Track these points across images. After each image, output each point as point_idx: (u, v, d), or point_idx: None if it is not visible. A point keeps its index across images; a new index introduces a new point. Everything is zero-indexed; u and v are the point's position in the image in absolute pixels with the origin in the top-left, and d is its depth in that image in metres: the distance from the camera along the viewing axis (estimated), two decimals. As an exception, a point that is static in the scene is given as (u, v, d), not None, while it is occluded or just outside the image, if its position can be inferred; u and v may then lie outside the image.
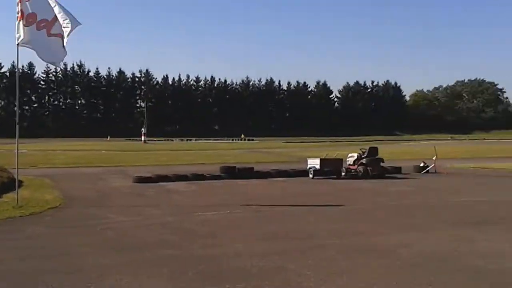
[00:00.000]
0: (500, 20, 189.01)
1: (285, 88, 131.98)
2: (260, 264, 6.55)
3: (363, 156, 20.29)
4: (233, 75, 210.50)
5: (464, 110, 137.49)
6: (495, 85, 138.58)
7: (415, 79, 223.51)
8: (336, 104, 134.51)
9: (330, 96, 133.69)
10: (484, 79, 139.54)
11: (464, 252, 7.21)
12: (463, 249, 7.40)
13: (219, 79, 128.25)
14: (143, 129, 72.46)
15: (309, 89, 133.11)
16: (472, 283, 5.72)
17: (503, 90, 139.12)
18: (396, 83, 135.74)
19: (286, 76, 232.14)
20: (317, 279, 5.88)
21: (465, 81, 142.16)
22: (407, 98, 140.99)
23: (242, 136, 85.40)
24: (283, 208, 11.83)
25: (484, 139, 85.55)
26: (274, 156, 35.57)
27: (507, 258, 6.80)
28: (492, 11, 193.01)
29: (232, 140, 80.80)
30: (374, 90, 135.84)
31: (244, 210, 11.59)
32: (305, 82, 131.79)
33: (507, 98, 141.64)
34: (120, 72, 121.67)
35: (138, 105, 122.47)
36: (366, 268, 6.34)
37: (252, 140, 78.77)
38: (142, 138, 69.20)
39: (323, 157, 20.95)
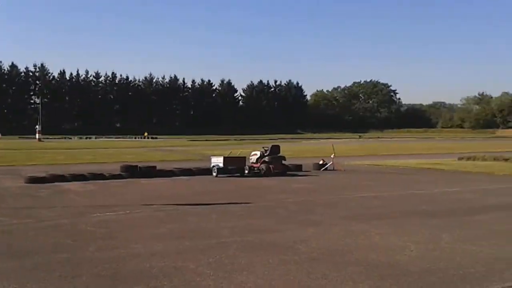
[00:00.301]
0: (392, 25, 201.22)
1: (190, 86, 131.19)
2: (159, 265, 6.41)
3: (265, 154, 20.63)
4: (135, 71, 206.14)
5: (361, 109, 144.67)
6: (389, 86, 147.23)
7: (316, 79, 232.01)
8: (241, 103, 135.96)
9: (235, 95, 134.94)
10: (379, 80, 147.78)
11: (358, 246, 7.53)
12: (358, 243, 7.73)
13: (121, 75, 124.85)
14: (37, 126, 68.63)
15: (214, 87, 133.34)
16: (364, 275, 5.97)
17: (396, 92, 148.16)
18: (298, 83, 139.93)
19: (190, 73, 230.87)
20: (217, 277, 5.86)
21: (361, 82, 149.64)
22: (308, 98, 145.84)
23: (145, 134, 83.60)
24: (185, 207, 11.69)
25: (379, 137, 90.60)
26: (178, 154, 35.20)
27: (397, 251, 7.18)
28: (383, 17, 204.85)
29: (135, 138, 78.85)
30: (277, 90, 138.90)
31: (145, 210, 11.31)
32: (209, 80, 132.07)
33: (399, 99, 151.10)
34: (13, 66, 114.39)
35: (32, 101, 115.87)
36: (266, 265, 6.42)
37: (156, 138, 77.44)
38: (37, 136, 65.51)
39: (226, 155, 21.03)
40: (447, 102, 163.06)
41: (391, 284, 5.64)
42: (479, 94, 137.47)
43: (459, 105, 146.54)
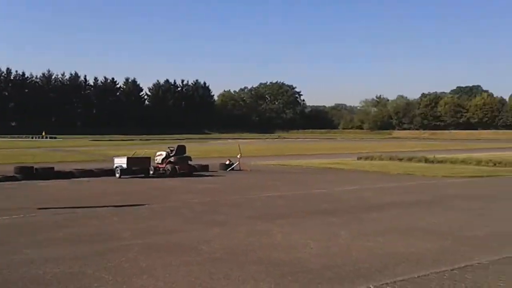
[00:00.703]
0: (296, 27, 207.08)
1: (92, 84, 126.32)
2: (54, 271, 6.08)
3: (171, 154, 20.36)
4: (32, 68, 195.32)
5: (267, 110, 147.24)
6: (293, 88, 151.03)
7: (223, 79, 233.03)
8: (147, 102, 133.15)
9: (140, 94, 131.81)
10: (284, 82, 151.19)
11: (261, 245, 7.62)
12: (261, 242, 7.82)
13: (16, 71, 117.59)
14: None
15: (118, 86, 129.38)
16: (265, 273, 6.05)
17: (300, 93, 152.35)
18: (205, 83, 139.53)
19: (93, 71, 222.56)
20: (115, 282, 5.67)
21: (268, 83, 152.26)
22: (216, 98, 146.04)
23: (44, 133, 79.33)
24: (84, 210, 11.22)
25: (285, 137, 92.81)
26: (79, 155, 33.80)
27: (298, 249, 7.36)
28: (288, 19, 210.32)
29: (32, 138, 74.61)
30: (184, 89, 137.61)
31: (41, 213, 10.71)
32: (113, 78, 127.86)
33: (303, 100, 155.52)
34: None
35: None
36: (167, 267, 6.31)
37: (55, 138, 73.80)
38: None
39: (130, 156, 20.48)
40: (347, 104, 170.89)
41: (290, 281, 5.76)
42: (376, 97, 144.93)
43: (358, 107, 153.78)
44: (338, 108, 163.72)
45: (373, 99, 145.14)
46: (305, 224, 9.44)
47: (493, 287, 5.57)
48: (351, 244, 7.72)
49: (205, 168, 21.69)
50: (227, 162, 22.81)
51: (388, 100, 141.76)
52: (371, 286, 5.56)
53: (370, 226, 9.25)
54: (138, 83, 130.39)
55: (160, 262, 6.52)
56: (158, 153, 20.92)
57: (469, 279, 5.84)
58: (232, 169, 22.30)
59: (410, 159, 26.41)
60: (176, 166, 19.79)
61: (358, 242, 7.86)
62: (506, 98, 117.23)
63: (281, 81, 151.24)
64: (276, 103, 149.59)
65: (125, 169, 19.08)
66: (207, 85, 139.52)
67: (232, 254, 7.00)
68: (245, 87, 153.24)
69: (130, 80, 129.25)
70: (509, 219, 10.10)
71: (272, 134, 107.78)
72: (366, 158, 28.10)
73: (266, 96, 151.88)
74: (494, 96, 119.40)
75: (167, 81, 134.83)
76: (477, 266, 6.40)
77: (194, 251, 7.18)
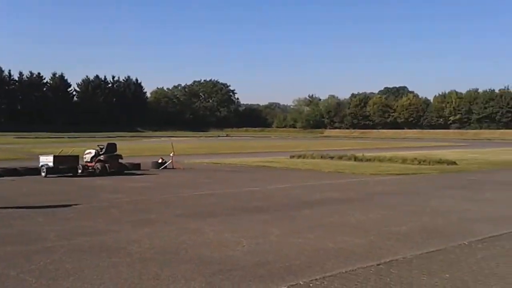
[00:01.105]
0: (231, 27, 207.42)
1: (17, 79, 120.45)
2: (-29, 276, 5.75)
3: (100, 152, 19.77)
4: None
5: (201, 108, 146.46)
6: (228, 86, 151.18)
7: (156, 76, 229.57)
8: (76, 98, 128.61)
9: (69, 90, 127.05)
10: (218, 80, 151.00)
11: (192, 244, 7.55)
12: (192, 241, 7.76)
13: None
14: None
15: (45, 81, 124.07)
16: (196, 272, 6.00)
17: (235, 92, 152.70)
18: (137, 80, 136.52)
19: (18, 66, 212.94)
20: (40, 284, 5.46)
21: (202, 81, 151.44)
22: (149, 95, 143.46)
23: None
24: (8, 211, 10.67)
25: (219, 136, 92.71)
26: (2, 152, 32.13)
27: (230, 247, 7.36)
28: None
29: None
30: (115, 86, 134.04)
31: (-42, 215, 10.08)
32: (39, 73, 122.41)
33: (238, 99, 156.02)
34: None
35: None
36: (95, 268, 6.12)
37: (-24, 135, 69.96)
38: None
39: (57, 154, 19.71)
40: (281, 103, 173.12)
41: (222, 279, 5.74)
42: (309, 96, 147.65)
43: (291, 106, 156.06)
44: (272, 106, 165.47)
45: (305, 98, 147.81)
46: (237, 222, 9.46)
47: (416, 281, 5.81)
48: (283, 241, 7.81)
49: (136, 166, 21.23)
50: (160, 161, 22.45)
51: (320, 99, 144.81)
52: (301, 282, 5.64)
53: (301, 223, 9.40)
54: (66, 78, 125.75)
55: (87, 264, 6.32)
56: (87, 151, 20.26)
57: (394, 273, 6.05)
58: (165, 167, 21.98)
59: (340, 158, 27.09)
60: (106, 165, 19.25)
61: (290, 239, 7.97)
62: (431, 98, 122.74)
63: (216, 79, 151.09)
64: (210, 101, 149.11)
65: (52, 167, 18.35)
66: (139, 81, 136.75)
67: (163, 254, 6.89)
68: (179, 85, 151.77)
69: (57, 75, 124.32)
70: (432, 214, 10.58)
71: (207, 132, 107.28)
72: (299, 157, 28.55)
73: (200, 94, 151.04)
74: (420, 97, 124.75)
75: (97, 76, 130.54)
76: (401, 261, 6.65)
77: (123, 251, 7.00)
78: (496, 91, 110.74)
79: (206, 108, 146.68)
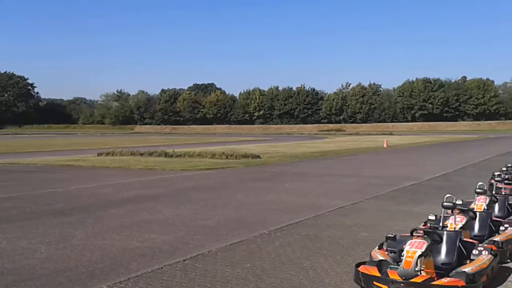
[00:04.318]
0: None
1: None
2: None
3: None
4: None
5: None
6: (26, 79, 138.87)
7: None
8: None
9: None
10: (14, 72, 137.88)
11: (-20, 255, 6.75)
12: (-20, 252, 6.94)
13: None
14: None
15: None
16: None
17: (34, 85, 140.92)
18: None
19: None
20: None
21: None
22: None
23: None
24: None
25: (17, 133, 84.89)
26: None
27: (26, 255, 6.77)
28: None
29: None
30: None
31: None
32: None
33: (38, 93, 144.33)
34: None
35: None
36: None
37: None
38: None
39: None
40: (88, 98, 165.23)
41: (15, 293, 5.23)
42: (117, 92, 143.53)
43: (99, 102, 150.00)
44: (78, 102, 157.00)
45: (114, 93, 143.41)
46: (36, 227, 8.71)
47: (220, 273, 5.99)
48: (86, 244, 7.42)
49: None
50: None
51: (129, 95, 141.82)
52: (104, 286, 5.42)
53: (107, 224, 9.05)
54: None
55: None
56: None
57: (200, 267, 6.17)
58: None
59: (151, 154, 26.85)
60: None
61: (94, 241, 7.61)
62: (237, 95, 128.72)
63: (11, 71, 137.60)
64: (6, 95, 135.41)
65: None
66: None
67: None
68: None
69: None
70: (238, 207, 11.06)
71: (2, 130, 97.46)
72: (107, 154, 27.57)
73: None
74: (226, 93, 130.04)
75: None
76: (207, 254, 6.81)
77: None
78: (294, 88, 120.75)
79: (2, 103, 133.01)
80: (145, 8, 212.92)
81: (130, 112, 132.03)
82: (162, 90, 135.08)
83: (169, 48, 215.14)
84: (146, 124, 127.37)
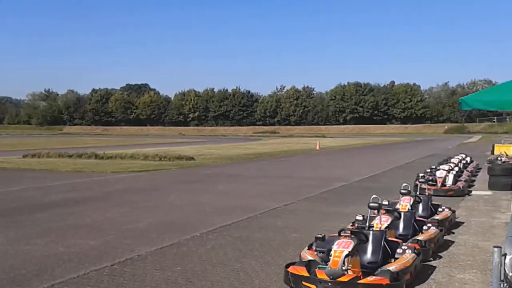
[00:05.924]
0: None
1: None
2: None
3: None
4: None
5: None
6: None
7: None
8: None
9: None
10: None
11: None
12: None
13: None
14: None
15: None
16: None
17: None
18: None
19: None
20: None
21: None
22: None
23: None
24: None
25: None
26: None
27: None
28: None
29: None
30: None
31: None
32: None
33: None
34: None
35: None
36: None
37: None
38: None
39: None
40: (13, 97, 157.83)
41: None
42: (45, 91, 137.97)
43: (26, 101, 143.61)
44: (3, 101, 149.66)
45: (41, 92, 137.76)
46: (-48, 234, 8.21)
47: (149, 277, 5.88)
48: (8, 249, 7.09)
49: None
50: None
51: (58, 94, 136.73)
52: (26, 294, 5.18)
53: (31, 228, 8.67)
54: None
55: None
56: None
57: (128, 272, 6.02)
58: None
59: (80, 156, 26.01)
60: None
61: (16, 246, 7.27)
62: (172, 96, 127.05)
63: None
64: None
65: None
66: None
67: None
68: None
69: None
70: (170, 209, 10.92)
71: None
72: (33, 156, 26.46)
73: None
74: (160, 94, 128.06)
75: None
76: (136, 259, 6.67)
77: None
78: (229, 90, 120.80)
79: None
80: (78, 6, 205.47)
81: (58, 112, 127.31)
82: (93, 90, 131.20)
83: (101, 48, 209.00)
84: (76, 124, 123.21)
